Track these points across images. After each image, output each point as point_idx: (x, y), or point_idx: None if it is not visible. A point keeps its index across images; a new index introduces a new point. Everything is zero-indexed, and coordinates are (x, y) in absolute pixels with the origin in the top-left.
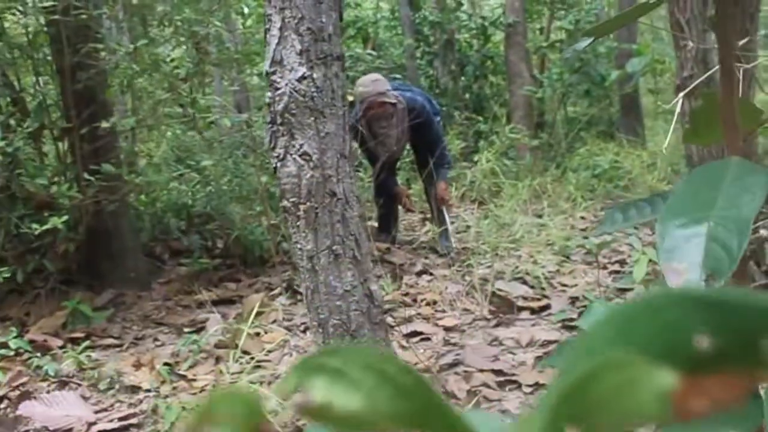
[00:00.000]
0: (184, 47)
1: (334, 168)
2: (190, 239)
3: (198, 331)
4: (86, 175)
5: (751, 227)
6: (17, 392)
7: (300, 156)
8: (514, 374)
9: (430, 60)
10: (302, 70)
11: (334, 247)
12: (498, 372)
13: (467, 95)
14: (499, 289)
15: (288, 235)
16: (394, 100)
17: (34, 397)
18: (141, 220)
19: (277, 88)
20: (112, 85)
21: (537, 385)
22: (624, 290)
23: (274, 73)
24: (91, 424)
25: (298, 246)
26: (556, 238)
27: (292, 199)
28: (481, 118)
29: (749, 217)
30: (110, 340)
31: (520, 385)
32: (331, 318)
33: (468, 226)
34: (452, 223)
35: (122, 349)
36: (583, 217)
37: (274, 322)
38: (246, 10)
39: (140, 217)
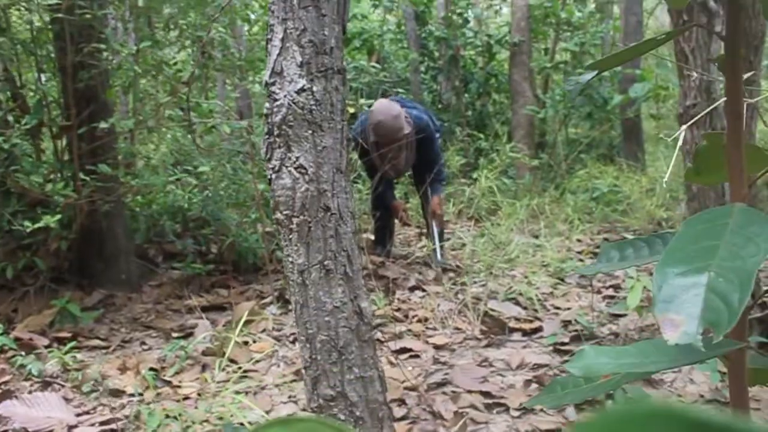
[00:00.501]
0: (188, 51)
1: (329, 182)
2: (184, 243)
3: (186, 336)
4: (82, 175)
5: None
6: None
7: (295, 169)
8: (502, 397)
9: (434, 75)
10: (302, 83)
11: (325, 263)
12: (486, 394)
13: (469, 112)
14: (492, 309)
15: (281, 244)
16: (408, 130)
17: (16, 397)
18: (136, 222)
19: (276, 99)
20: (113, 86)
21: (525, 409)
22: (617, 316)
23: (273, 83)
24: (71, 428)
25: (290, 259)
26: (552, 260)
27: (285, 212)
28: (482, 136)
29: (752, 270)
30: (97, 342)
31: (508, 409)
32: (319, 333)
33: (463, 244)
34: (447, 239)
35: (108, 351)
36: (579, 240)
37: (263, 331)
38: (252, 17)
39: (135, 218)
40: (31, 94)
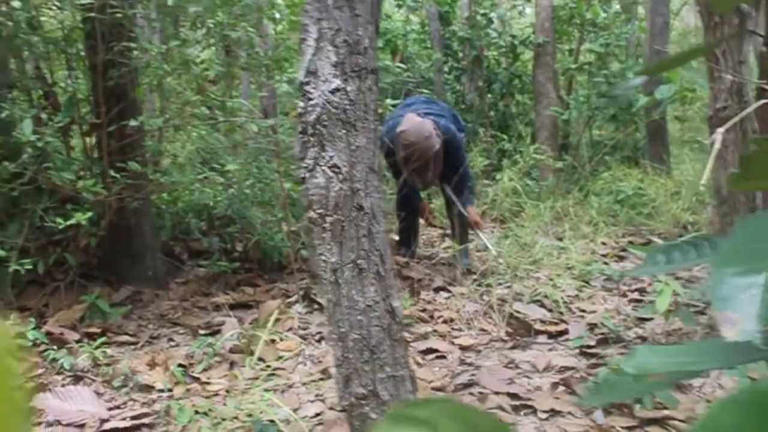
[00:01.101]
0: (214, 49)
1: (362, 182)
2: (210, 241)
3: (213, 333)
4: (112, 172)
5: None
6: (33, 384)
7: (329, 168)
8: (529, 399)
9: (457, 75)
10: (336, 82)
11: (358, 261)
12: (513, 395)
13: (492, 113)
14: (517, 311)
15: (308, 243)
16: (438, 145)
17: (49, 390)
18: (161, 219)
19: (310, 99)
20: (141, 84)
21: (553, 412)
22: (644, 320)
23: (307, 83)
24: (103, 421)
25: (323, 258)
26: (576, 263)
27: (318, 211)
28: (505, 137)
29: None
30: (125, 338)
31: (535, 411)
32: (351, 332)
33: (487, 246)
34: (471, 240)
35: (137, 347)
36: (604, 243)
37: (289, 329)
38: (278, 16)
39: (161, 215)
40: (61, 91)
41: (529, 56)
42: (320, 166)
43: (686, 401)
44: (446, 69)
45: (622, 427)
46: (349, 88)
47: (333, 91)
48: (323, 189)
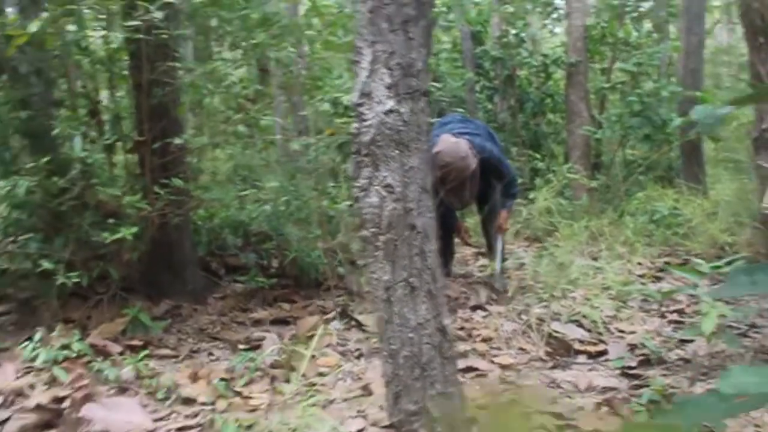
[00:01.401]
0: (245, 68)
1: (415, 201)
2: (247, 256)
3: (253, 348)
4: (155, 188)
5: None
6: (80, 394)
7: (383, 188)
8: (573, 419)
9: (489, 95)
10: (390, 104)
11: (410, 280)
12: (557, 415)
13: (524, 132)
14: (555, 331)
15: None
16: (474, 165)
17: (95, 400)
18: (198, 235)
19: (365, 120)
20: (183, 102)
21: None
22: (685, 341)
23: (361, 104)
24: None
25: (375, 276)
26: (613, 283)
27: (372, 230)
28: (538, 156)
29: None
30: (166, 351)
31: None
32: (402, 349)
33: (522, 264)
34: (506, 259)
35: (178, 360)
36: (640, 263)
37: (328, 345)
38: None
39: (197, 231)
40: (104, 110)
41: (561, 75)
42: (374, 185)
43: (735, 425)
44: (478, 88)
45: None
46: (402, 110)
47: (387, 113)
48: (377, 208)
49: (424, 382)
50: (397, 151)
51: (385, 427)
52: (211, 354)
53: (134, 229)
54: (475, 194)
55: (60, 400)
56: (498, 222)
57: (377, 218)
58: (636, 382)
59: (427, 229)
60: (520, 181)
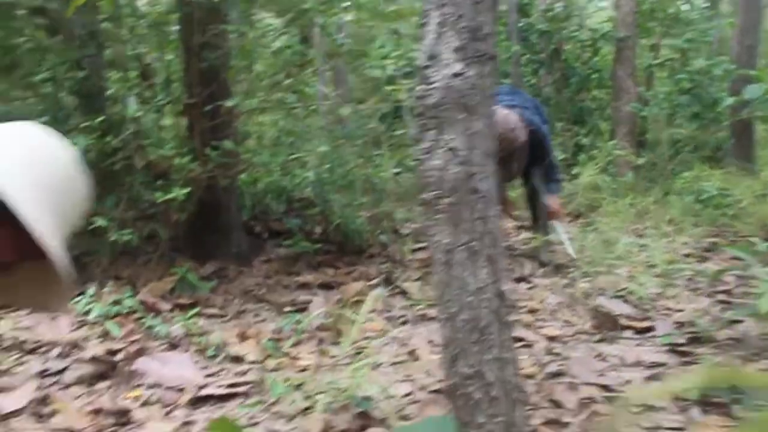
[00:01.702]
0: (287, 36)
1: (479, 165)
2: (290, 222)
3: (299, 311)
4: (205, 151)
5: None
6: (133, 348)
7: (448, 150)
8: (622, 391)
9: (535, 69)
10: (458, 67)
11: (471, 244)
12: (605, 387)
13: (569, 107)
14: (601, 305)
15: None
16: (524, 138)
17: (148, 355)
18: (242, 198)
19: (431, 83)
20: (233, 66)
21: (646, 406)
22: (734, 321)
23: (428, 67)
24: (201, 387)
25: (435, 239)
26: (659, 261)
27: (434, 192)
28: (583, 131)
29: None
30: (213, 310)
31: None
32: (461, 313)
33: (569, 239)
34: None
35: (225, 320)
36: (686, 243)
37: (373, 311)
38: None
39: (241, 195)
40: (156, 72)
41: (608, 51)
42: (438, 148)
43: None
44: (523, 61)
45: (719, 426)
46: (470, 73)
47: (454, 76)
48: (440, 171)
49: (481, 346)
50: (462, 115)
51: (433, 391)
52: (257, 315)
53: (186, 190)
54: (522, 167)
55: (113, 353)
56: (552, 209)
57: (440, 181)
58: (686, 359)
59: (489, 194)
60: (561, 157)
